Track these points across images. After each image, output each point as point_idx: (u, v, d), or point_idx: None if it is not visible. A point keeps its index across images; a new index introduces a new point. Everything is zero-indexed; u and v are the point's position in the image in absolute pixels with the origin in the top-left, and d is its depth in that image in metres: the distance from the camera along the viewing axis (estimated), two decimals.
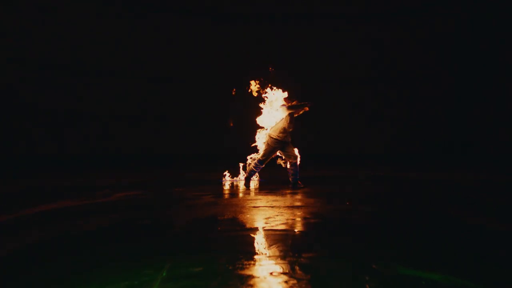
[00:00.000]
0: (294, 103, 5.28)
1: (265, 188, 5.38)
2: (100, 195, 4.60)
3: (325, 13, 14.16)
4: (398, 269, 1.99)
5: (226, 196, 4.89)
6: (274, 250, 2.34)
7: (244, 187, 5.47)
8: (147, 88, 13.70)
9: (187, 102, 14.13)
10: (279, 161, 5.77)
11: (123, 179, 6.59)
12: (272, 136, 5.27)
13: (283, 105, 5.35)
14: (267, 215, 3.41)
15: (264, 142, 5.44)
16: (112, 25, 12.67)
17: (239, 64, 13.59)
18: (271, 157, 5.43)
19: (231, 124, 13.14)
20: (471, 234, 2.81)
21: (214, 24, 14.20)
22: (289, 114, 5.24)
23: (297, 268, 1.98)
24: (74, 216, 3.48)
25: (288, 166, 5.36)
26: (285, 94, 5.61)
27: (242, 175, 6.67)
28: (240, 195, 4.86)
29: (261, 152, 5.45)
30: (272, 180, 6.32)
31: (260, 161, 5.37)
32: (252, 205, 3.94)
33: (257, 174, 6.16)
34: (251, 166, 5.49)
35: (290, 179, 5.32)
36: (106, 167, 9.56)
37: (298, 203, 4.01)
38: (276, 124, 5.35)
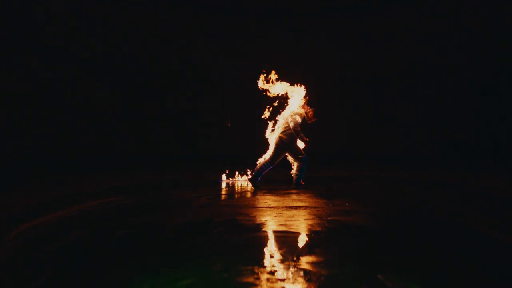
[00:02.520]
0: (298, 128, 5.15)
1: (264, 188, 5.25)
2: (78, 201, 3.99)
3: (325, 10, 14.02)
4: (411, 286, 1.77)
5: (224, 197, 4.75)
6: (273, 254, 2.20)
7: (247, 187, 5.39)
8: (146, 87, 13.53)
9: (186, 102, 13.99)
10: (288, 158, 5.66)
11: (115, 182, 6.42)
12: (282, 137, 5.23)
13: (295, 125, 5.16)
14: (266, 216, 3.28)
15: (274, 143, 5.36)
16: (113, 21, 12.43)
17: (241, 64, 13.49)
18: (280, 158, 5.36)
19: (229, 124, 13.04)
20: (481, 245, 2.67)
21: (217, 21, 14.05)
22: (291, 126, 5.18)
23: (296, 275, 1.84)
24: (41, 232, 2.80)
25: (295, 166, 5.31)
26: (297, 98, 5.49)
27: (240, 176, 6.56)
28: (238, 195, 4.73)
29: (270, 153, 5.40)
30: (271, 180, 6.18)
31: (269, 162, 5.30)
32: (250, 206, 3.81)
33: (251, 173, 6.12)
34: (258, 166, 5.41)
35: (294, 179, 5.29)
36: (102, 168, 9.39)
37: (297, 204, 3.88)
38: (286, 127, 5.27)
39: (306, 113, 5.31)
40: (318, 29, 14.21)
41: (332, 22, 14.19)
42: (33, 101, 9.58)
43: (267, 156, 5.51)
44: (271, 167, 5.34)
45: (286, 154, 5.38)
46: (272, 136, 5.59)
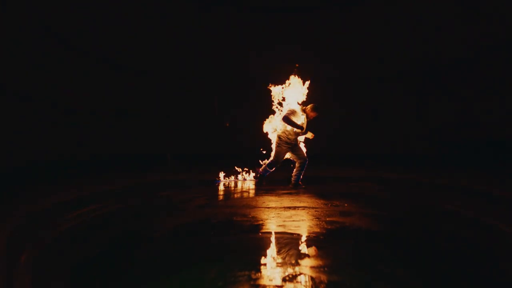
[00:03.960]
0: (290, 118, 5.04)
1: (262, 188, 5.19)
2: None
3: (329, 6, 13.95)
4: None
5: (221, 197, 4.69)
6: (270, 258, 2.14)
7: (245, 187, 5.38)
8: (146, 87, 13.47)
9: (184, 101, 13.93)
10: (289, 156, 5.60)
11: (115, 183, 6.34)
12: (282, 137, 5.19)
13: (287, 114, 5.06)
14: (264, 216, 3.21)
15: (275, 143, 5.31)
16: (114, 20, 12.34)
17: (240, 64, 13.42)
18: (282, 159, 5.33)
19: (227, 124, 13.00)
20: (482, 246, 2.61)
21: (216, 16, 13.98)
22: (287, 120, 5.09)
23: (294, 281, 1.78)
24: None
25: (296, 166, 5.27)
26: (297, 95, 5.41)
27: (238, 176, 6.49)
28: (236, 196, 4.67)
29: (272, 154, 5.36)
30: (270, 180, 6.12)
31: (272, 162, 5.28)
32: (248, 206, 3.75)
33: (251, 173, 6.29)
34: (263, 167, 5.40)
35: (292, 179, 5.23)
36: (101, 169, 9.32)
37: (296, 204, 3.82)
38: (285, 126, 5.20)
39: (304, 109, 5.21)
40: (317, 27, 14.14)
41: (332, 21, 14.12)
42: (33, 100, 9.53)
43: (271, 156, 5.47)
44: (275, 167, 5.32)
45: (288, 154, 5.33)
46: (269, 126, 5.54)
